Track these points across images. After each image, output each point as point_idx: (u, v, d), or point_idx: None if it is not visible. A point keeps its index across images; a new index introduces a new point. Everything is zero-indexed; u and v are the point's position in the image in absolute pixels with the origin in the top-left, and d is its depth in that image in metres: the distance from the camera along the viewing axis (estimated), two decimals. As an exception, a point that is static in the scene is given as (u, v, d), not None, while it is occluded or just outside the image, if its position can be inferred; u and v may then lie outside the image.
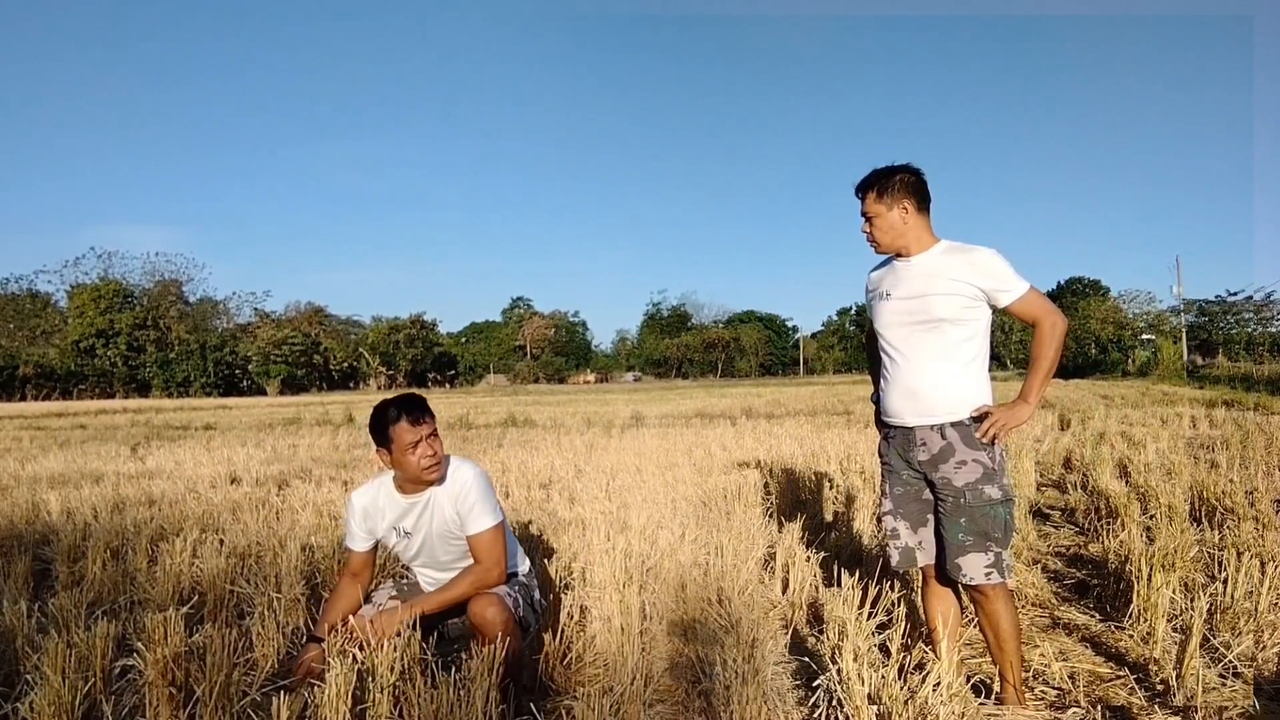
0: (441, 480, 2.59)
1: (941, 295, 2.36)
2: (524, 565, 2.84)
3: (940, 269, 2.38)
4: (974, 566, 2.37)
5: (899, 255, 2.47)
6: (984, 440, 2.36)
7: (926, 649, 2.74)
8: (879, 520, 2.63)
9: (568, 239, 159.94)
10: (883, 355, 2.54)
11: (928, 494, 2.50)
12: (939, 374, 2.39)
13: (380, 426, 2.48)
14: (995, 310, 2.42)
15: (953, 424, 2.38)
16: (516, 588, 2.67)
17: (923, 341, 2.40)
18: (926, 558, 2.53)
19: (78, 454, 9.63)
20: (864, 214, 2.47)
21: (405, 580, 2.87)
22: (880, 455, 2.63)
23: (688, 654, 2.80)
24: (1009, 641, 2.42)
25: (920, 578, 2.65)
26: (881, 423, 2.62)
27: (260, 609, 2.94)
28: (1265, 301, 54.62)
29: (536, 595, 2.83)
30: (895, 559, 2.55)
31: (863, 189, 2.47)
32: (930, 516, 2.51)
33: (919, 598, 3.31)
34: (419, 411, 2.47)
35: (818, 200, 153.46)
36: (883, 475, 2.60)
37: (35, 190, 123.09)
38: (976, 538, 2.36)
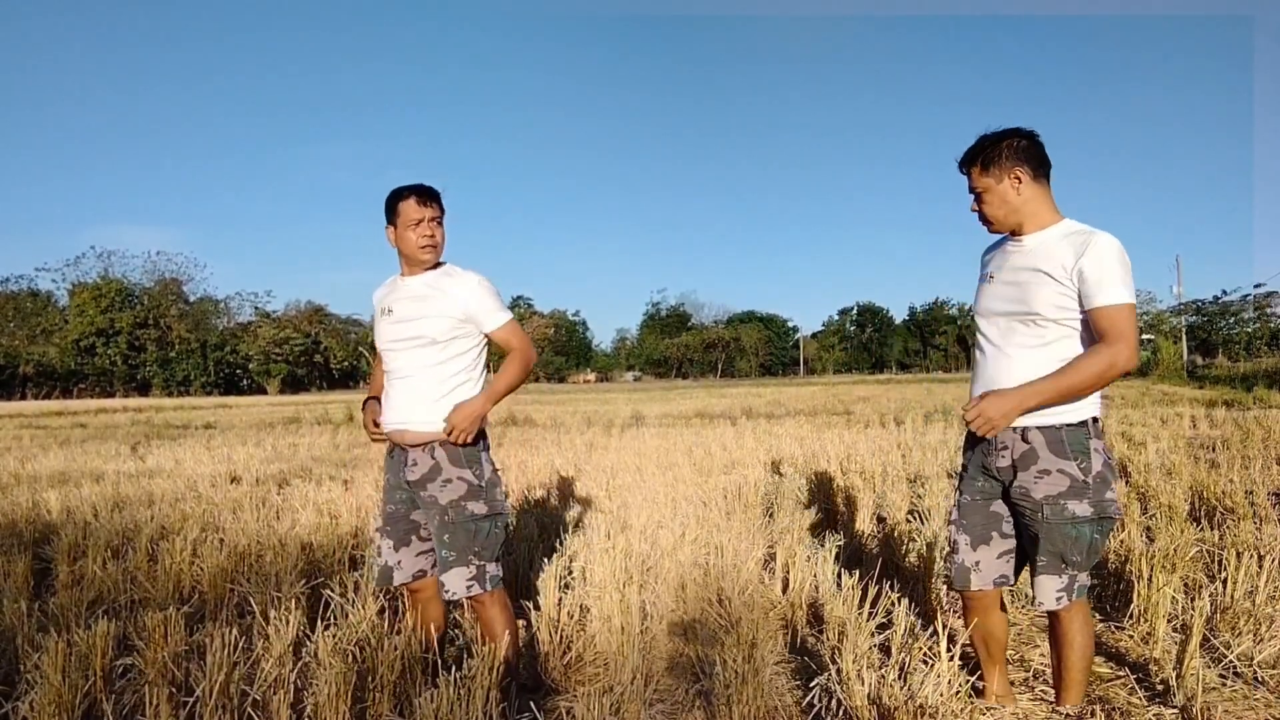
0: (436, 267, 2.66)
1: (1043, 285, 2.09)
2: (477, 388, 2.65)
3: (1051, 253, 2.10)
4: (1045, 591, 2.16)
5: (1013, 234, 2.22)
6: (968, 419, 2.13)
7: (927, 649, 2.74)
8: (949, 526, 2.40)
9: (568, 239, 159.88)
10: (974, 347, 2.32)
11: (996, 506, 2.27)
12: (1029, 371, 2.12)
13: (392, 203, 2.60)
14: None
15: (1039, 428, 2.14)
16: (482, 519, 2.52)
17: (1015, 334, 2.16)
18: (981, 582, 2.28)
19: (78, 453, 9.63)
20: (972, 190, 2.24)
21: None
22: (963, 459, 2.41)
23: (688, 654, 2.80)
24: (1074, 670, 2.21)
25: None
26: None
27: (260, 608, 2.94)
28: (1266, 296, 54.64)
29: (500, 486, 2.67)
30: (951, 573, 2.33)
31: (967, 162, 2.23)
32: (994, 534, 2.27)
33: (918, 597, 3.31)
34: (428, 196, 2.60)
35: (818, 200, 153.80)
36: (959, 480, 2.40)
37: (35, 190, 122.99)
38: (1051, 559, 2.14)
